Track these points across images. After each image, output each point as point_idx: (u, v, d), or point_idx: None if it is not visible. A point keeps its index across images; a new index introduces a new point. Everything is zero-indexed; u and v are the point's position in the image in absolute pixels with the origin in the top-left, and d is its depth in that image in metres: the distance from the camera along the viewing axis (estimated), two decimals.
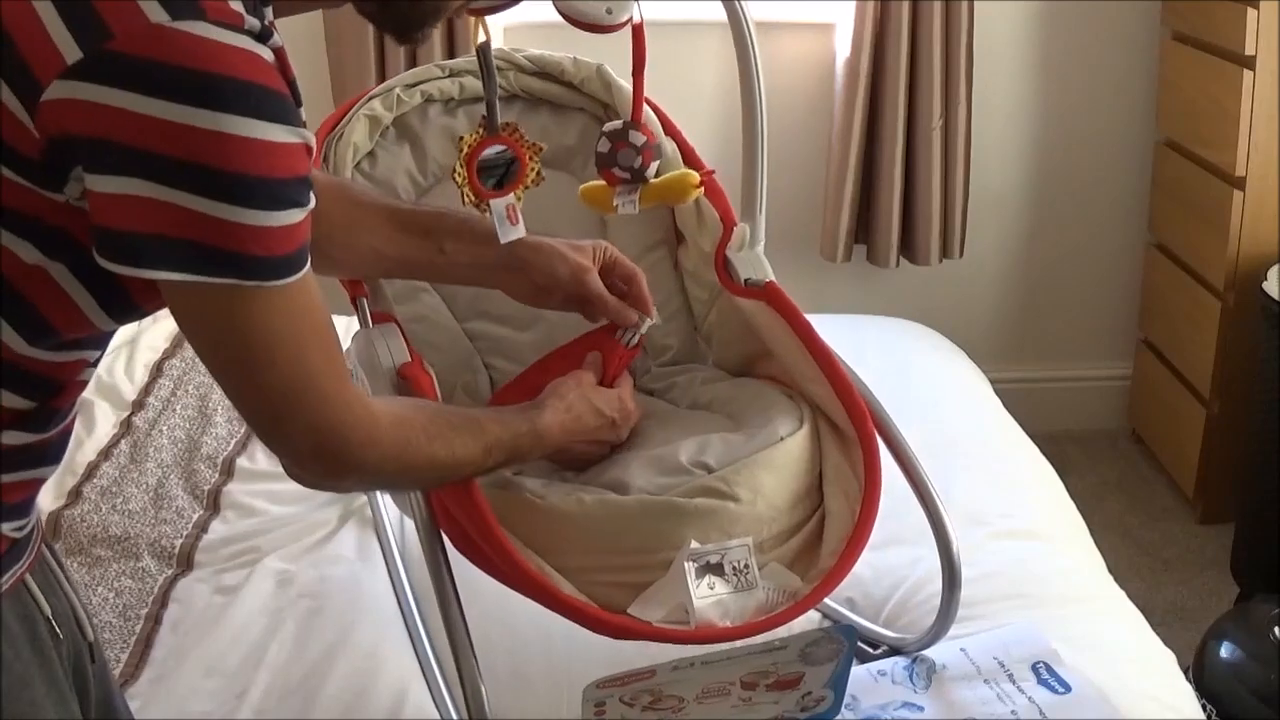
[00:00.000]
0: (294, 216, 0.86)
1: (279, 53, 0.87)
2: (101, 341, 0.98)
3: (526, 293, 1.38)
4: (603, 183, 1.44)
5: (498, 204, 1.29)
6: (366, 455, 0.99)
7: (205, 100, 0.79)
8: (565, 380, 1.30)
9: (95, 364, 0.99)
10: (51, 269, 0.87)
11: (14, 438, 0.92)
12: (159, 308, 0.94)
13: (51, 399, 0.94)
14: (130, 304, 0.92)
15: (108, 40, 0.79)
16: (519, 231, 1.30)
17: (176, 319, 0.90)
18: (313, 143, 0.88)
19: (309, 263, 0.90)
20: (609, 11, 1.21)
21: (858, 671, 1.42)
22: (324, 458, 0.97)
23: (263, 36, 0.84)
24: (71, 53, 0.79)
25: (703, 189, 1.48)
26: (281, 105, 0.84)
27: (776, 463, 1.29)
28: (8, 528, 0.94)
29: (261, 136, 0.82)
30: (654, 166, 1.42)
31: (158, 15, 0.79)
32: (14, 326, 0.88)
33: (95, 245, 0.84)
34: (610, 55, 1.57)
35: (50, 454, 0.97)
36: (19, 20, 0.81)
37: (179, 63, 0.79)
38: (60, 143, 0.81)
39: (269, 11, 0.90)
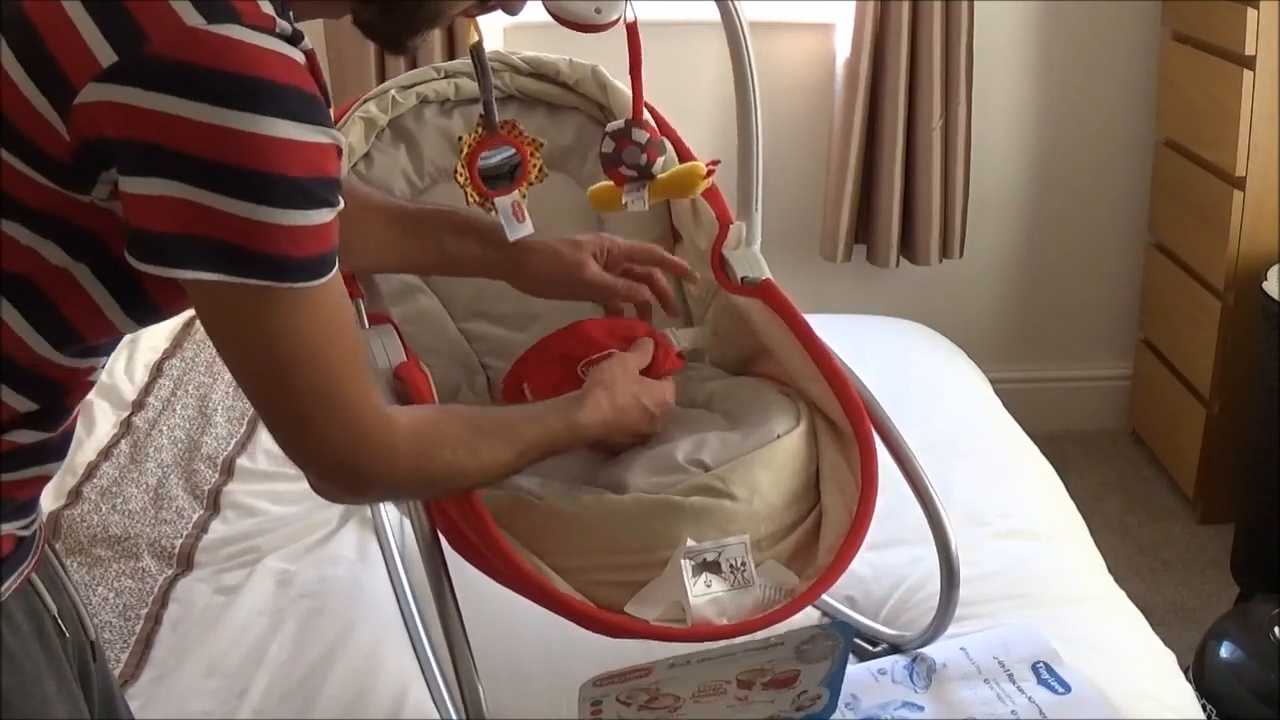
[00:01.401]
0: (325, 216, 0.86)
1: (309, 55, 0.87)
2: (114, 345, 0.98)
3: (530, 287, 1.40)
4: (610, 183, 1.44)
5: (503, 202, 1.29)
6: (387, 467, 0.98)
7: (242, 103, 0.80)
8: (612, 368, 1.28)
9: (103, 367, 0.99)
10: (76, 270, 0.88)
11: (21, 436, 0.93)
12: (180, 310, 0.95)
13: (59, 400, 0.95)
14: (151, 305, 0.92)
15: (144, 43, 0.79)
16: (526, 228, 1.30)
17: (204, 323, 0.90)
18: (343, 143, 0.88)
19: (337, 264, 0.90)
20: (598, 11, 1.21)
21: (858, 671, 1.42)
22: (345, 470, 0.96)
23: (294, 39, 0.85)
24: (106, 56, 0.79)
25: (711, 178, 1.48)
26: (314, 107, 0.84)
27: (773, 461, 1.29)
28: (14, 526, 0.95)
29: (296, 138, 0.82)
30: (660, 162, 1.42)
31: (193, 19, 0.80)
32: (40, 331, 0.89)
33: (128, 245, 0.85)
34: (606, 56, 1.58)
35: (55, 451, 0.97)
36: (49, 21, 0.81)
37: (216, 66, 0.79)
38: (94, 145, 0.81)
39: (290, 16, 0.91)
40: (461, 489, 1.15)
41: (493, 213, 1.31)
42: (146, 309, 0.93)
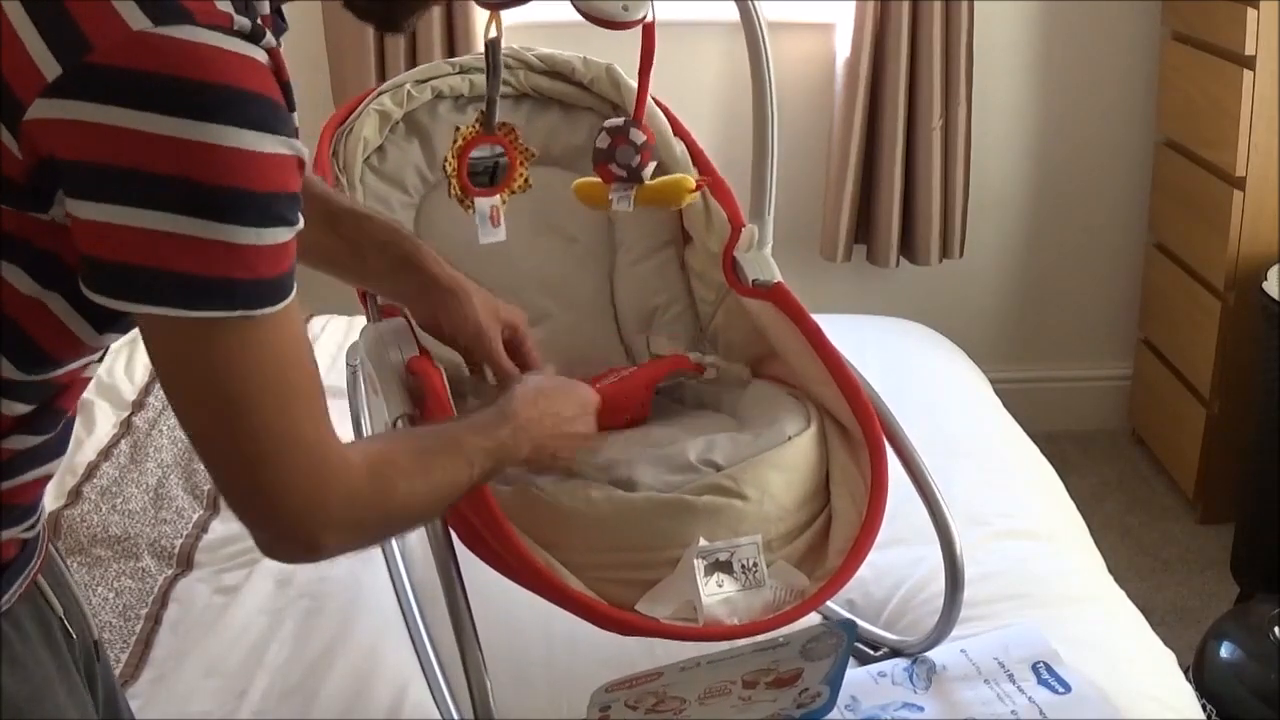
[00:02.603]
0: (281, 235, 0.80)
1: (273, 53, 0.81)
2: (95, 353, 0.94)
3: (431, 329, 1.33)
4: (598, 179, 1.43)
5: (482, 204, 1.28)
6: (346, 512, 0.90)
7: (191, 110, 0.74)
8: (525, 378, 1.24)
9: (100, 359, 0.96)
10: (49, 300, 0.83)
11: (16, 442, 0.90)
12: None
13: (53, 401, 0.92)
14: (120, 320, 0.88)
15: (88, 52, 0.74)
16: (499, 235, 1.28)
17: (151, 354, 0.83)
18: (305, 155, 0.82)
19: (294, 290, 0.83)
20: (625, 9, 1.21)
21: (858, 673, 1.42)
22: (304, 519, 0.88)
23: (254, 36, 0.79)
24: (51, 69, 0.75)
25: (699, 193, 1.48)
26: (273, 113, 0.78)
27: (784, 462, 1.29)
28: (18, 530, 0.93)
29: (251, 147, 0.77)
30: (651, 167, 1.41)
31: (139, 22, 0.74)
32: (11, 360, 0.85)
33: (82, 276, 0.80)
34: (619, 55, 1.57)
35: (54, 449, 0.95)
36: None
37: (163, 71, 0.74)
38: (47, 164, 0.77)
39: (263, 6, 0.86)
40: (418, 520, 1.10)
41: (470, 211, 1.29)
42: (117, 325, 0.88)
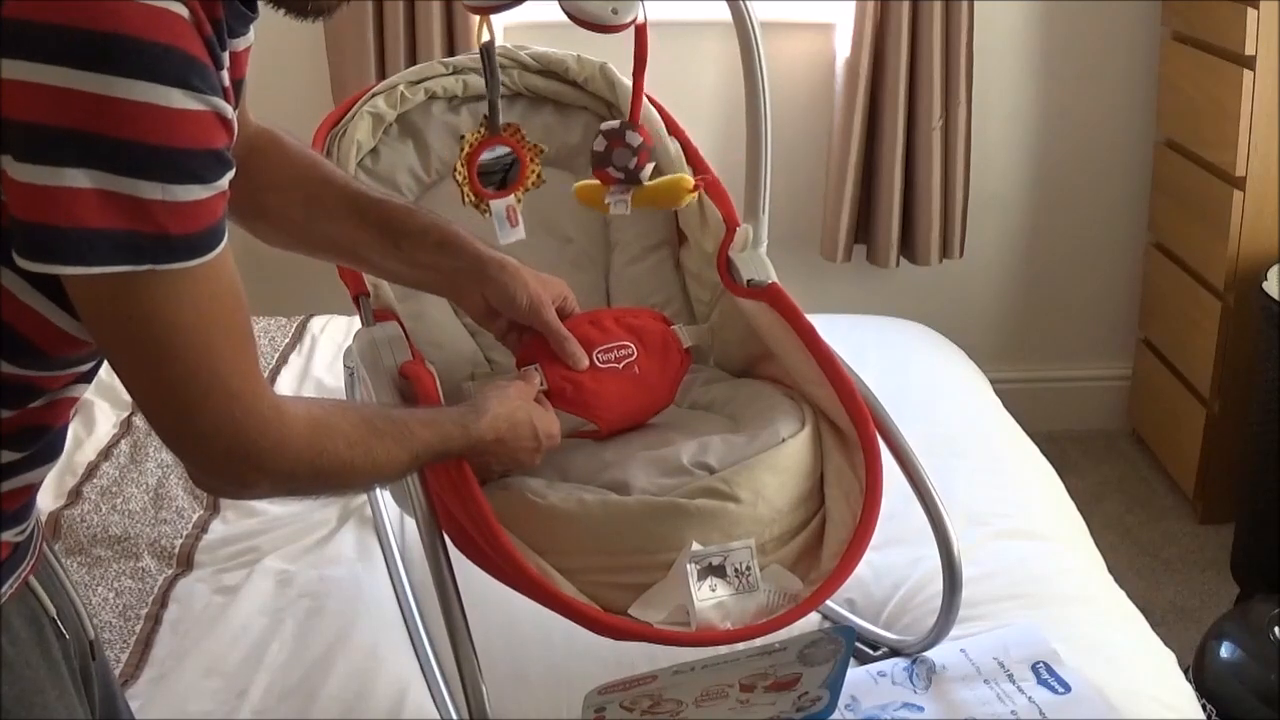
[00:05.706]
0: (194, 193, 0.79)
1: (194, 8, 0.79)
2: (85, 361, 0.93)
3: (475, 309, 1.32)
4: (597, 181, 1.43)
5: (498, 205, 1.28)
6: (276, 459, 0.92)
7: (94, 62, 0.74)
8: (507, 389, 1.24)
9: (89, 379, 0.94)
10: (4, 278, 0.82)
11: (2, 456, 0.89)
12: None
13: (37, 415, 0.91)
14: None
15: None
16: (518, 234, 1.28)
17: (75, 305, 0.83)
18: (225, 112, 0.81)
19: (219, 247, 0.83)
20: (614, 11, 1.21)
21: (858, 673, 1.42)
22: (231, 461, 0.90)
23: None
24: None
25: (697, 193, 1.48)
26: (185, 66, 0.77)
27: (778, 464, 1.28)
28: (9, 534, 0.93)
29: (160, 102, 0.76)
30: (649, 169, 1.41)
31: None
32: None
33: (13, 241, 0.79)
34: (613, 55, 1.57)
35: (38, 460, 0.94)
36: None
37: (66, 23, 0.74)
38: None
39: None
40: (351, 487, 1.12)
41: (486, 215, 1.29)
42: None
